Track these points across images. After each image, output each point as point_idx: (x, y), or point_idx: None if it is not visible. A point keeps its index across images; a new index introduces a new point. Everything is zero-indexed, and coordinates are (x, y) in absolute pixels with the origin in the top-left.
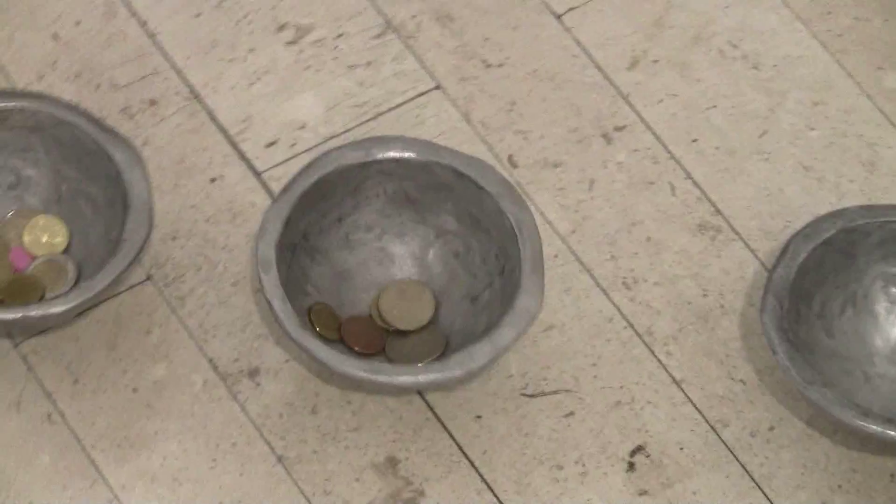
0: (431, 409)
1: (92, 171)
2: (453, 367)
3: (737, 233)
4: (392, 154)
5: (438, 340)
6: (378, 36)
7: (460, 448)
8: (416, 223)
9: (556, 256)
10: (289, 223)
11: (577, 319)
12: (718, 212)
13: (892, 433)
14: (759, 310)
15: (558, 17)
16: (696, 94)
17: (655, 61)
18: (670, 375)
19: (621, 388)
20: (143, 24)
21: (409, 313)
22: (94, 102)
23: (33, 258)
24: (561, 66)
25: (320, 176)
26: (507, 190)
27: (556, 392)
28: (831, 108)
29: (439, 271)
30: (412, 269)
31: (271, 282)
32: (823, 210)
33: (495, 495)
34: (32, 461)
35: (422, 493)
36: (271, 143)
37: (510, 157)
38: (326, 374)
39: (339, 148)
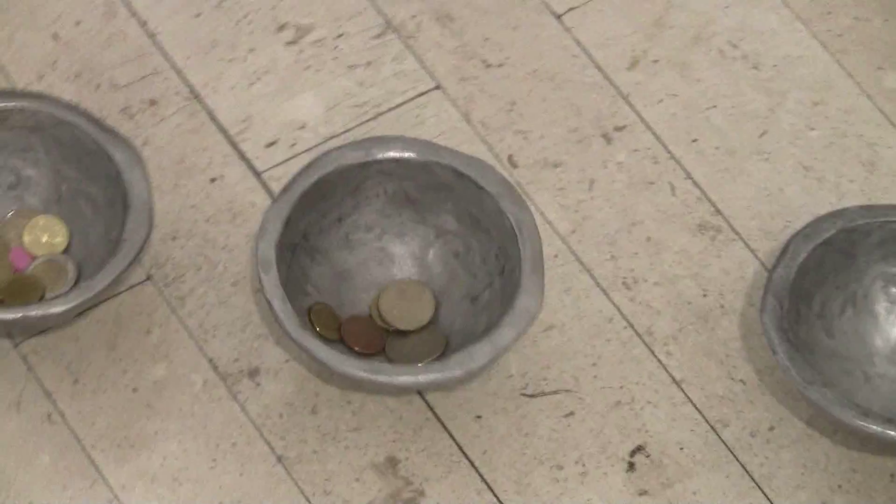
0: (431, 409)
1: (92, 171)
2: (453, 367)
3: (737, 233)
4: (392, 154)
5: (438, 340)
6: (378, 36)
7: (460, 448)
8: (416, 223)
9: (556, 256)
10: (289, 223)
11: (577, 319)
12: (718, 212)
13: (892, 433)
14: (759, 310)
15: (558, 17)
16: (696, 94)
17: (655, 61)
18: (670, 375)
19: (621, 388)
20: (144, 24)
21: (409, 313)
22: (94, 102)
23: (33, 258)
24: (561, 66)
25: (320, 176)
26: (506, 190)
27: (556, 392)
28: (831, 108)
29: (439, 271)
30: (412, 269)
31: (271, 282)
32: (823, 210)
33: (495, 495)
34: (32, 461)
35: (422, 493)
36: (271, 143)
37: (510, 157)
38: (326, 374)
39: (339, 148)
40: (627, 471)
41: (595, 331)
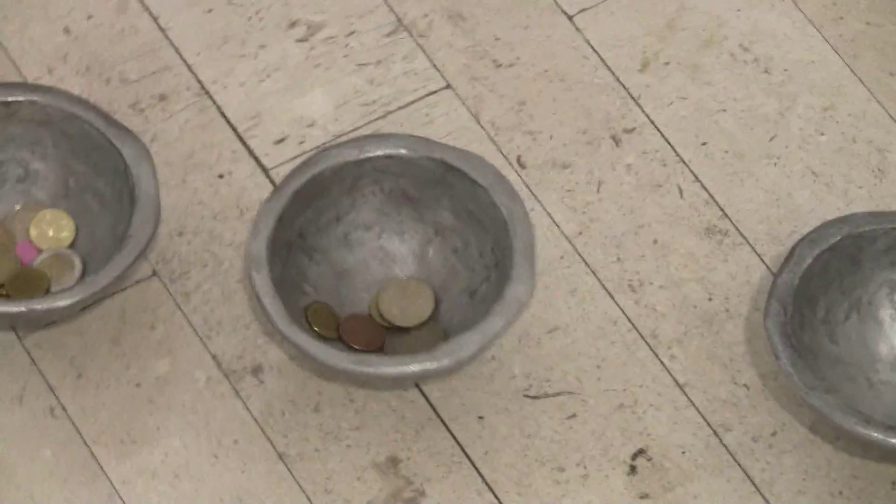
0: (434, 408)
1: (100, 166)
2: (442, 357)
3: (744, 237)
4: (385, 151)
5: (437, 336)
6: (389, 34)
7: (462, 448)
8: (415, 221)
9: (562, 258)
10: (282, 221)
11: (581, 321)
12: (726, 215)
13: (894, 441)
14: (762, 314)
15: (570, 17)
16: (707, 97)
17: (666, 63)
18: (674, 379)
19: (624, 390)
20: (155, 18)
21: (408, 310)
22: (104, 97)
23: (39, 252)
24: (571, 67)
25: (313, 174)
26: (499, 182)
27: (559, 394)
28: (842, 113)
29: (439, 268)
30: (412, 267)
31: (262, 279)
32: (832, 215)
33: (496, 496)
34: (34, 455)
35: (422, 493)
36: (280, 140)
37: (519, 158)
38: (320, 370)
39: (333, 146)
40: (629, 474)
41: (599, 333)
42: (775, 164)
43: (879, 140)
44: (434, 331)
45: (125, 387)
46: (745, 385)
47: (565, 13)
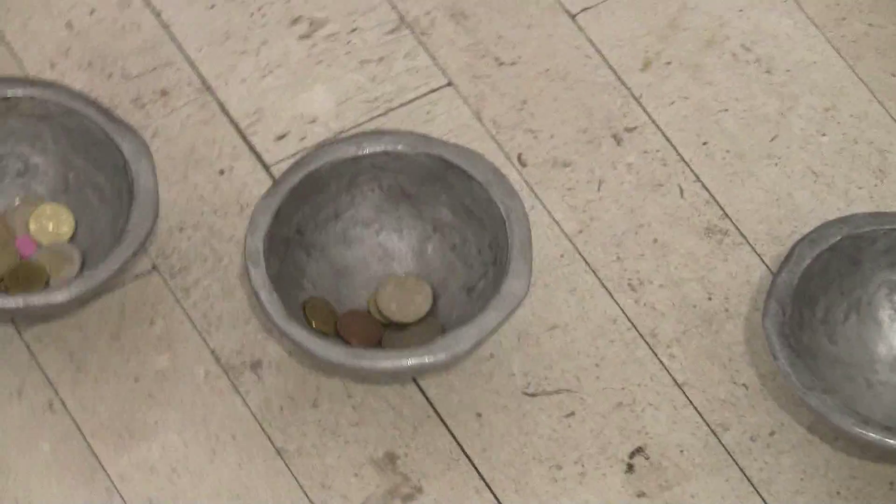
0: (432, 405)
1: (99, 161)
2: (438, 351)
3: (744, 237)
4: (383, 147)
5: (436, 332)
6: (391, 31)
7: (460, 445)
8: (414, 217)
9: (562, 256)
10: (280, 217)
11: (581, 320)
12: (726, 215)
13: (892, 441)
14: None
15: (572, 16)
16: (708, 96)
17: (668, 63)
18: (672, 378)
19: (623, 389)
20: (158, 14)
21: (406, 306)
22: (106, 92)
23: (39, 246)
24: (573, 65)
25: (310, 170)
26: (497, 179)
27: (557, 392)
28: (843, 113)
29: (438, 265)
30: (411, 264)
31: (259, 274)
32: (832, 216)
33: (493, 494)
34: (32, 449)
35: (420, 490)
36: (281, 137)
37: (520, 156)
38: (318, 365)
39: (331, 142)
40: (626, 472)
41: (599, 331)
42: (776, 165)
43: (880, 141)
44: (432, 327)
45: (124, 381)
46: (743, 385)
47: (567, 12)
